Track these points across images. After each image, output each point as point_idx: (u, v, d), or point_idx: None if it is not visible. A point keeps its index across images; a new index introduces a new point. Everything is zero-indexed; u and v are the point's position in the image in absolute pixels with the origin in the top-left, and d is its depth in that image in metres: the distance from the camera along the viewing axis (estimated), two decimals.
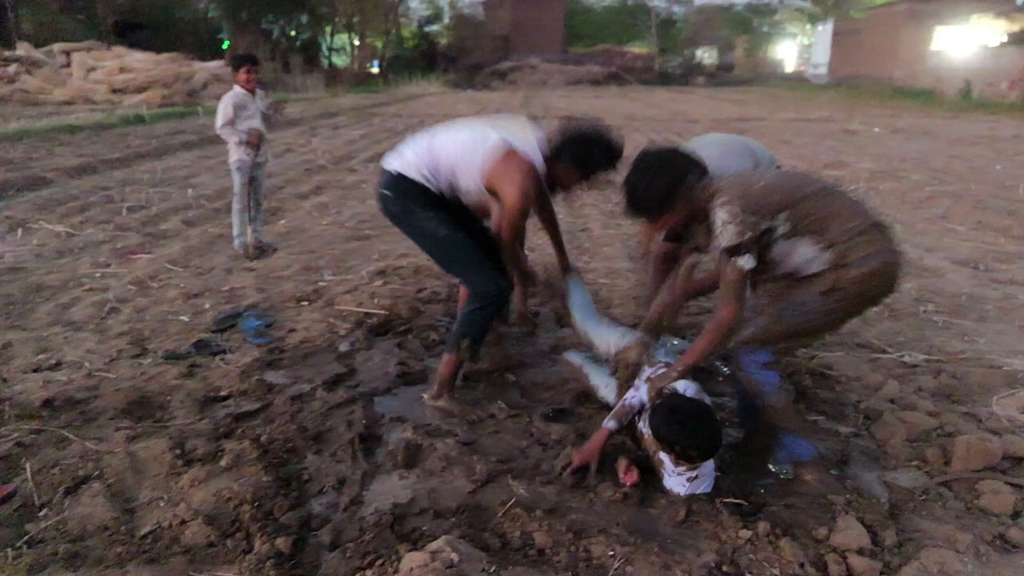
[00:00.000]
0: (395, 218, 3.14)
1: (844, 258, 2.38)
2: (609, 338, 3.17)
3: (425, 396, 3.23)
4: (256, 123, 5.51)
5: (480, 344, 3.24)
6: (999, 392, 3.30)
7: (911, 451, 2.84)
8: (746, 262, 2.38)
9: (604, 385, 3.12)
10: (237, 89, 5.48)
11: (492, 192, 2.98)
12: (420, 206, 3.03)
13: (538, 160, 2.95)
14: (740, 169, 2.93)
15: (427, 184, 3.02)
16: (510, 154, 2.91)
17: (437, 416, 3.09)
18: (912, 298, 4.73)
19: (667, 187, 2.47)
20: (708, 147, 3.18)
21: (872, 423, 3.05)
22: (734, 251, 2.37)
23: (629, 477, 2.53)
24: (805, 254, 2.43)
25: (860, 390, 3.37)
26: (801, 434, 2.64)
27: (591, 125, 3.05)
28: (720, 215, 2.38)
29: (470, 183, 3.00)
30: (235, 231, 5.72)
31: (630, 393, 2.74)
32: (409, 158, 3.05)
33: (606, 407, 2.99)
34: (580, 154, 2.95)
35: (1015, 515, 2.41)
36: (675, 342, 3.36)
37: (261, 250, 5.73)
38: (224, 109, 5.41)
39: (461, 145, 3.00)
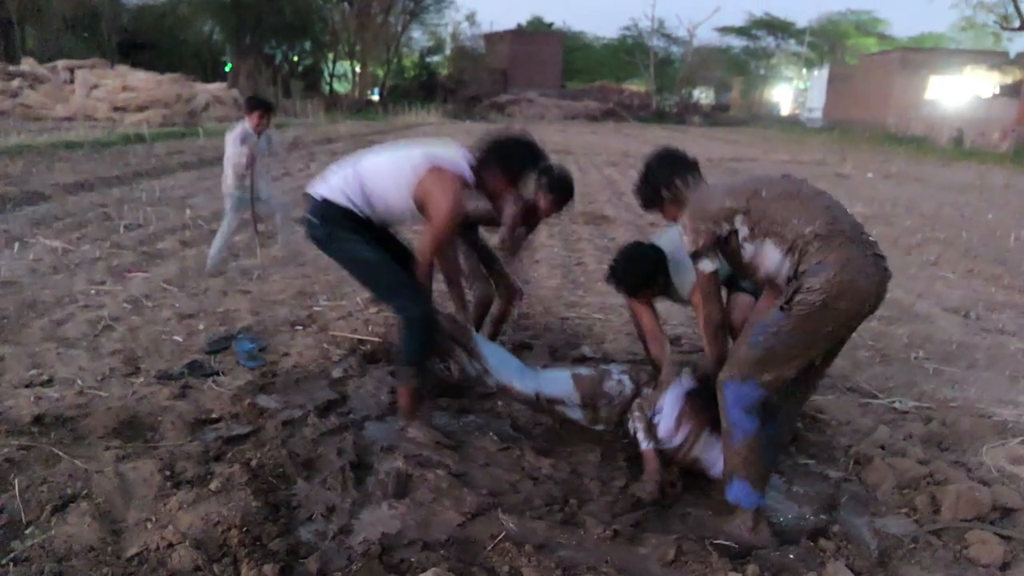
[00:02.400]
0: (320, 244, 3.11)
1: (800, 265, 2.40)
2: (542, 381, 3.23)
3: (397, 427, 3.23)
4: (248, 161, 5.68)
5: (425, 367, 3.25)
6: (989, 441, 3.32)
7: (901, 498, 2.85)
8: (706, 265, 2.58)
9: (493, 366, 3.22)
10: (247, 125, 5.63)
11: (421, 208, 2.99)
12: (345, 230, 3.03)
13: (466, 172, 2.98)
14: None
15: (353, 208, 3.02)
16: (437, 169, 2.94)
17: (428, 446, 3.08)
18: (903, 344, 4.77)
19: (662, 182, 2.78)
20: None
21: (862, 468, 3.06)
22: (694, 256, 2.60)
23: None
24: (773, 257, 2.49)
25: (851, 434, 3.39)
26: (755, 485, 2.55)
27: (510, 132, 3.14)
28: (680, 224, 2.64)
29: (400, 202, 3.00)
30: (212, 248, 5.89)
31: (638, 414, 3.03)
32: (334, 183, 3.06)
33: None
34: (503, 156, 2.99)
35: (1004, 567, 2.42)
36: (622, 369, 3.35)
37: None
38: (231, 137, 5.66)
39: (386, 166, 3.04)
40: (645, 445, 2.92)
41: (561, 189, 3.69)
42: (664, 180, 2.77)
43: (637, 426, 2.98)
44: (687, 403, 2.93)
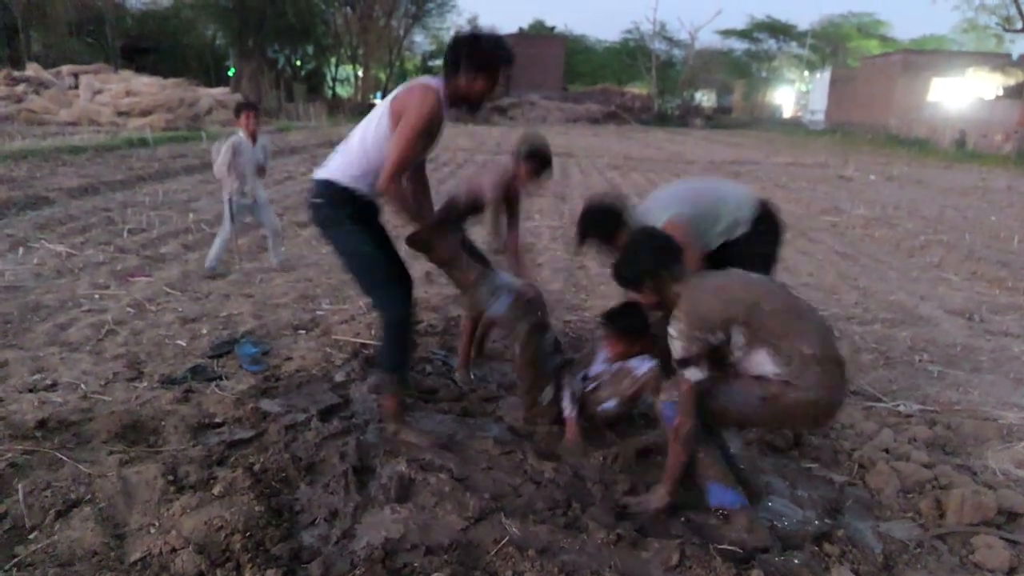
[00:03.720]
0: (324, 226, 3.10)
1: (794, 379, 2.43)
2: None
3: (385, 435, 3.20)
4: (244, 172, 5.80)
5: (405, 371, 3.30)
6: (993, 444, 3.31)
7: (905, 502, 2.84)
8: (693, 374, 2.51)
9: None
10: (240, 136, 5.78)
11: (395, 127, 2.87)
12: (348, 217, 3.02)
13: (436, 84, 2.90)
14: (687, 212, 3.25)
15: (355, 186, 2.98)
16: (407, 87, 2.92)
17: (426, 449, 3.07)
18: (906, 347, 4.76)
19: (645, 270, 2.68)
20: (671, 193, 3.60)
21: (866, 472, 3.05)
22: (682, 364, 2.52)
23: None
24: (763, 366, 2.49)
25: (854, 438, 3.38)
26: (725, 483, 2.59)
27: (462, 33, 3.01)
28: (671, 329, 2.53)
29: (383, 143, 2.90)
30: (211, 251, 5.98)
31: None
32: (333, 164, 3.05)
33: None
34: (471, 53, 2.88)
35: (1010, 571, 2.41)
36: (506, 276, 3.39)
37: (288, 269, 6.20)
38: (224, 147, 5.75)
39: (366, 121, 3.02)
40: (568, 412, 3.19)
41: (538, 155, 3.68)
42: (650, 269, 2.66)
43: (565, 392, 3.19)
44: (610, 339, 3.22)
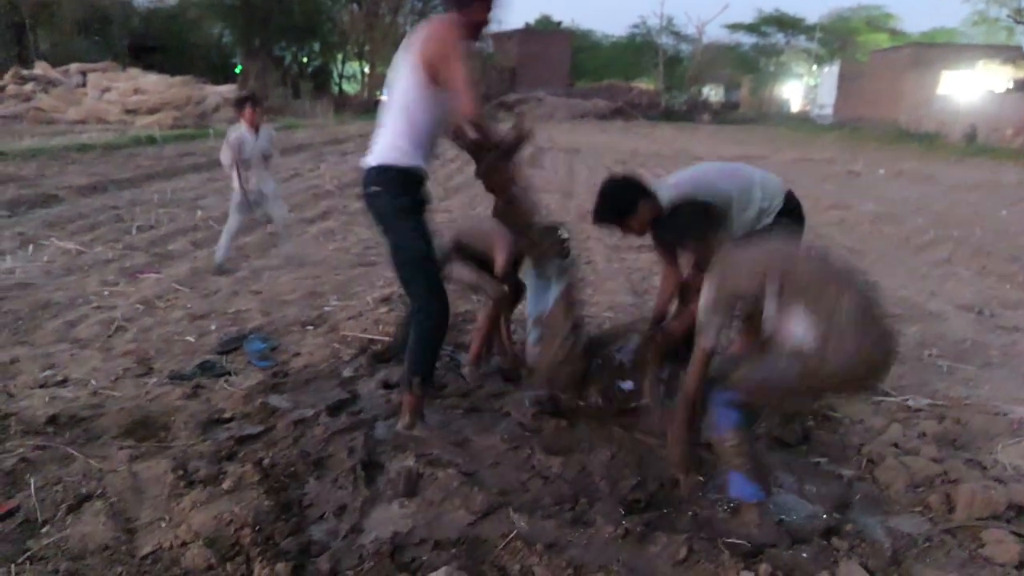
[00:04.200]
0: (382, 216, 3.02)
1: (828, 341, 2.32)
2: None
3: (398, 425, 3.20)
4: (250, 166, 5.85)
5: (432, 375, 3.27)
6: (1003, 439, 3.29)
7: (914, 497, 2.83)
8: (708, 339, 2.55)
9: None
10: (242, 129, 5.81)
11: (431, 66, 2.78)
12: (408, 210, 2.96)
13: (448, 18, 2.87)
14: (723, 190, 3.23)
15: (410, 163, 2.91)
16: (419, 32, 2.87)
17: (435, 445, 3.08)
18: (916, 342, 4.74)
19: (698, 228, 2.73)
20: (704, 171, 3.54)
21: (875, 467, 3.04)
22: (706, 318, 2.55)
23: None
24: (797, 325, 2.42)
25: (863, 433, 3.37)
26: (751, 476, 2.55)
27: None
28: (703, 292, 2.57)
29: (423, 94, 2.84)
30: (219, 245, 6.02)
31: None
32: (382, 146, 2.96)
33: None
34: None
35: (1020, 566, 2.40)
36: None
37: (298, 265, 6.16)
38: (227, 142, 5.81)
39: (398, 85, 2.93)
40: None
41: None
42: (693, 233, 2.74)
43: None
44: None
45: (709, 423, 2.62)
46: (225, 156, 5.79)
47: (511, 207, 3.16)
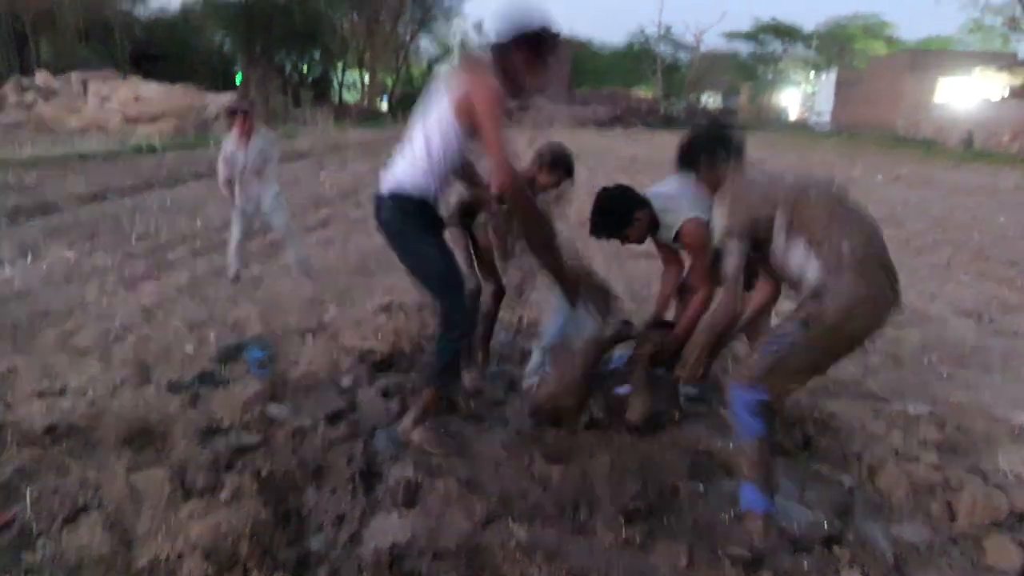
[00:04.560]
0: (395, 238, 3.03)
1: (828, 279, 2.39)
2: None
3: (398, 429, 3.15)
4: (242, 177, 5.77)
5: (451, 386, 3.28)
6: (1004, 445, 3.28)
7: (915, 504, 2.81)
8: (733, 251, 2.57)
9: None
10: (230, 140, 5.79)
11: (469, 122, 2.79)
12: (421, 228, 2.97)
13: (486, 62, 2.89)
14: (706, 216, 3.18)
15: (423, 193, 2.92)
16: (460, 75, 2.85)
17: (435, 452, 3.06)
18: (916, 347, 4.73)
19: (703, 151, 2.85)
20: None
21: (876, 474, 3.02)
22: (725, 236, 2.59)
23: None
24: (801, 258, 2.48)
25: (863, 440, 3.35)
26: (763, 488, 2.55)
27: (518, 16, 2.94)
28: (718, 210, 2.65)
29: (453, 133, 2.84)
30: (229, 259, 6.01)
31: None
32: (398, 174, 2.95)
33: None
34: (526, 35, 2.86)
35: (1022, 573, 2.39)
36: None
37: (305, 273, 6.06)
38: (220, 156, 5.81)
39: (427, 119, 2.90)
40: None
41: (562, 164, 3.66)
42: (707, 148, 2.82)
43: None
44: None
45: (735, 427, 2.60)
46: (220, 171, 5.76)
47: (558, 267, 3.26)
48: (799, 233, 2.46)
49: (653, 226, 3.30)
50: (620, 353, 3.54)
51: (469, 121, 2.78)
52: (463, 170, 3.17)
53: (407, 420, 3.16)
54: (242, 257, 5.96)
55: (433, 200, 3.00)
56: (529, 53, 2.88)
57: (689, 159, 2.89)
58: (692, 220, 3.18)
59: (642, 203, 3.25)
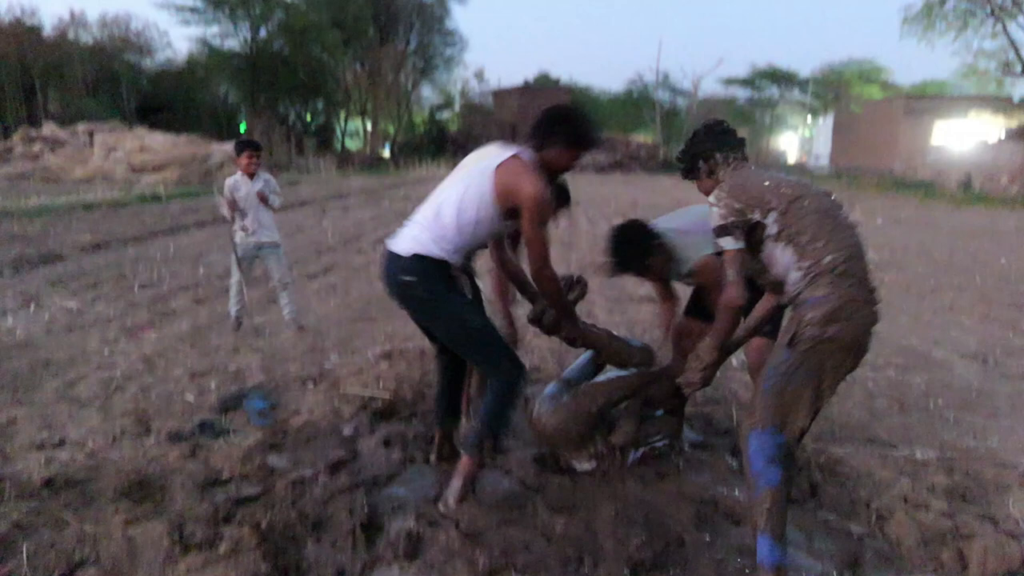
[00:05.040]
0: (421, 303, 2.93)
1: (806, 290, 2.42)
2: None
3: (441, 506, 2.97)
4: (247, 212, 5.67)
5: (501, 441, 3.21)
6: (1015, 492, 3.23)
7: (926, 553, 2.76)
8: (729, 243, 2.56)
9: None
10: (236, 176, 5.73)
11: (509, 208, 2.83)
12: (446, 288, 2.90)
13: (531, 158, 2.91)
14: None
15: (446, 255, 2.86)
16: (504, 162, 2.84)
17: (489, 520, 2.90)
18: (921, 392, 4.70)
19: (700, 152, 2.82)
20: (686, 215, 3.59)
21: (885, 523, 2.98)
22: (719, 231, 2.58)
23: None
24: (785, 264, 2.50)
25: (871, 487, 3.30)
26: (778, 540, 2.47)
27: (557, 107, 3.03)
28: (711, 198, 2.64)
29: (487, 212, 2.85)
30: (230, 303, 5.89)
31: None
32: (423, 236, 2.88)
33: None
34: (572, 130, 2.92)
35: None
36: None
37: (298, 327, 5.91)
38: (223, 193, 5.71)
39: (462, 190, 2.88)
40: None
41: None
42: (704, 151, 2.80)
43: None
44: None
45: (748, 478, 2.54)
46: (222, 206, 5.68)
47: (587, 342, 3.36)
48: (788, 240, 2.49)
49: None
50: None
51: (508, 203, 2.82)
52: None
53: (451, 495, 2.99)
54: (243, 300, 5.76)
55: (457, 267, 2.96)
56: (574, 151, 2.95)
57: (688, 168, 2.89)
58: (709, 257, 3.18)
59: (658, 235, 3.29)
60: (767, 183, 2.61)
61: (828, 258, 2.41)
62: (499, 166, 2.82)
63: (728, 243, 2.57)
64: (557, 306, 3.11)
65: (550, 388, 3.44)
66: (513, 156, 2.86)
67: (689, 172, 2.90)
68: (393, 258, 2.91)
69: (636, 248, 3.30)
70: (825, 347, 2.41)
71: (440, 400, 3.46)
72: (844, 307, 2.39)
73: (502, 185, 2.80)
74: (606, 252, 3.36)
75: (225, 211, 5.65)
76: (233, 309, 5.82)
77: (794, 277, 2.48)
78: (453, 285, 2.95)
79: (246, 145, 5.78)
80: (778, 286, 2.66)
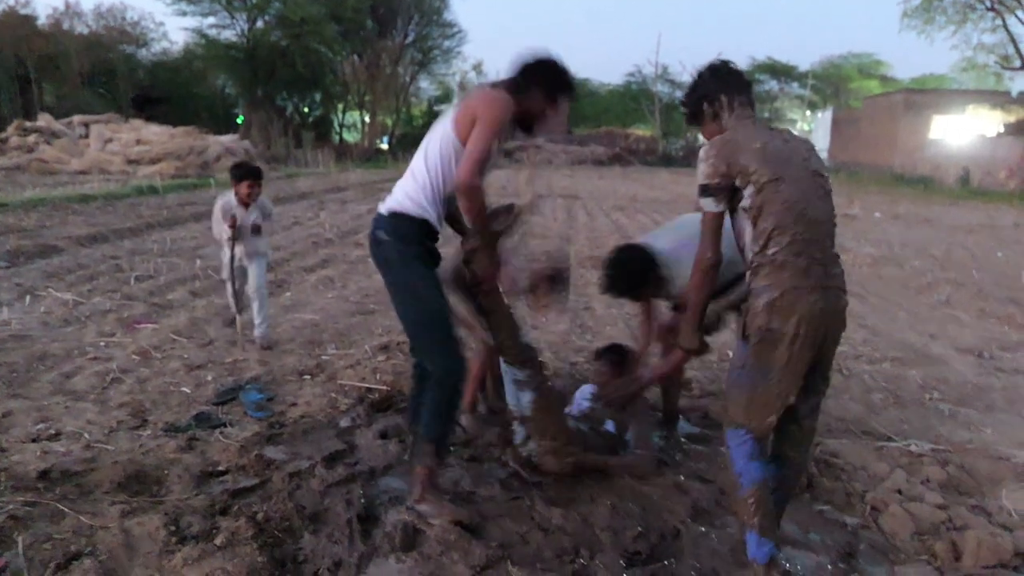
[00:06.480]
0: (388, 265, 2.82)
1: (752, 280, 2.42)
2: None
3: (410, 500, 2.89)
4: (240, 234, 5.12)
5: (447, 442, 2.99)
6: (1008, 485, 3.25)
7: (920, 545, 2.78)
8: (708, 204, 2.47)
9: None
10: (231, 199, 5.13)
11: (466, 135, 2.69)
12: (418, 258, 2.79)
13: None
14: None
15: (425, 215, 2.77)
16: (474, 91, 2.80)
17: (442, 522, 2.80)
18: (917, 386, 4.71)
19: (704, 94, 2.65)
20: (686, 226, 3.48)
21: (880, 515, 2.99)
22: (701, 190, 2.48)
23: None
24: (747, 240, 2.46)
25: (866, 480, 3.32)
26: (765, 534, 2.48)
27: (535, 54, 2.92)
28: (701, 151, 2.52)
29: (451, 157, 2.74)
30: (230, 302, 5.52)
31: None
32: (400, 193, 2.82)
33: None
34: (546, 76, 2.85)
35: None
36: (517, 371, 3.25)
37: (266, 345, 5.28)
38: (214, 215, 5.21)
39: (428, 143, 2.83)
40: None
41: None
42: (709, 92, 2.64)
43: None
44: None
45: (732, 476, 2.54)
46: (217, 228, 5.18)
47: (488, 300, 3.04)
48: (754, 216, 2.40)
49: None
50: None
51: (468, 131, 2.69)
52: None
53: (413, 493, 2.89)
54: (241, 302, 5.43)
55: (434, 226, 2.83)
56: (549, 95, 2.87)
57: (692, 112, 2.72)
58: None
59: (655, 263, 3.27)
60: (757, 147, 2.45)
61: (772, 249, 2.36)
62: (464, 103, 2.77)
63: (709, 204, 2.48)
64: (478, 226, 2.83)
65: (518, 432, 3.35)
66: (478, 91, 2.83)
67: (693, 116, 2.72)
68: (375, 218, 2.87)
69: (634, 277, 3.32)
70: (772, 338, 2.36)
71: (412, 401, 3.32)
72: (783, 297, 2.34)
73: (463, 112, 2.72)
74: (603, 276, 3.42)
75: (226, 236, 5.09)
76: (234, 308, 5.43)
77: (748, 258, 2.45)
78: (426, 255, 2.82)
79: (247, 173, 5.13)
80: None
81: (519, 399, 3.18)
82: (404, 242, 2.78)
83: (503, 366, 3.26)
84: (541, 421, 3.14)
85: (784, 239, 2.36)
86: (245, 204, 5.12)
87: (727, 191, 2.44)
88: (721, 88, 2.62)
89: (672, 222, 3.79)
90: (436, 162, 2.77)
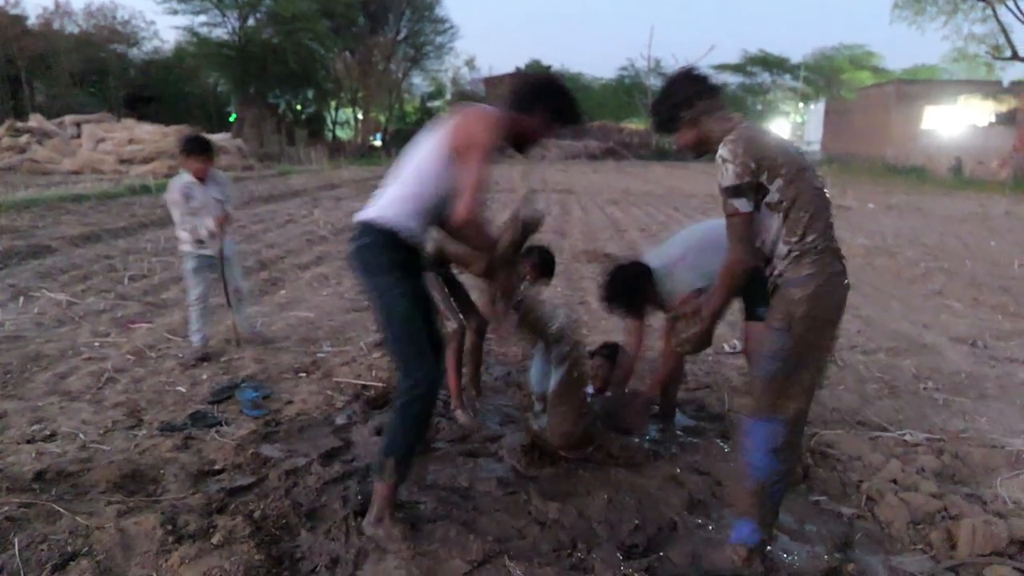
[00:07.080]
0: (364, 272, 2.74)
1: (789, 269, 2.42)
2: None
3: (364, 521, 2.73)
4: (202, 217, 4.82)
5: (410, 461, 2.79)
6: (1002, 473, 3.26)
7: (915, 534, 2.79)
8: (742, 205, 2.41)
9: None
10: (187, 178, 4.81)
11: (456, 155, 2.62)
12: (395, 265, 2.70)
13: (495, 113, 2.73)
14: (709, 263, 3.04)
15: (406, 225, 2.70)
16: (468, 109, 2.72)
17: (405, 552, 2.61)
18: (911, 375, 4.73)
19: (680, 101, 2.58)
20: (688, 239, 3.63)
21: (875, 504, 3.01)
22: (732, 192, 2.41)
23: None
24: (774, 232, 2.44)
25: (861, 470, 3.33)
26: (763, 526, 2.52)
27: (547, 76, 2.90)
28: (722, 152, 2.43)
29: (447, 170, 2.66)
30: (190, 326, 5.02)
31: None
32: (383, 202, 2.75)
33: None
34: (553, 100, 2.77)
35: None
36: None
37: (253, 337, 5.22)
38: (170, 197, 4.84)
39: (415, 154, 2.76)
40: None
41: (548, 270, 3.89)
42: (686, 99, 2.57)
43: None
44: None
45: (742, 467, 2.56)
46: (174, 211, 4.84)
47: (520, 310, 3.04)
48: (785, 209, 2.40)
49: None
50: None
51: (459, 152, 2.62)
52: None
53: (370, 513, 2.74)
54: (207, 323, 5.01)
55: (416, 236, 2.76)
56: (552, 120, 2.78)
57: (667, 119, 2.66)
58: (689, 294, 3.23)
59: (653, 280, 3.43)
60: (773, 141, 2.47)
61: (811, 236, 2.39)
62: (455, 122, 2.69)
63: (742, 205, 2.41)
64: (488, 252, 2.80)
65: (536, 407, 3.36)
66: (468, 109, 2.73)
67: (668, 123, 2.65)
68: (354, 225, 2.82)
69: (632, 295, 3.49)
70: (817, 325, 2.41)
71: None
72: (827, 283, 2.40)
73: (454, 132, 2.65)
74: (602, 289, 3.57)
75: (180, 223, 4.83)
76: (196, 338, 4.93)
77: (781, 251, 2.43)
78: (399, 262, 2.73)
79: (197, 146, 4.82)
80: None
81: (539, 380, 3.30)
82: (380, 250, 2.72)
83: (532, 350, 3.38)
84: (562, 399, 3.21)
85: (820, 225, 2.41)
86: (201, 179, 4.82)
87: (755, 190, 2.41)
88: (695, 93, 2.58)
89: (673, 238, 3.82)
90: (424, 179, 2.70)
